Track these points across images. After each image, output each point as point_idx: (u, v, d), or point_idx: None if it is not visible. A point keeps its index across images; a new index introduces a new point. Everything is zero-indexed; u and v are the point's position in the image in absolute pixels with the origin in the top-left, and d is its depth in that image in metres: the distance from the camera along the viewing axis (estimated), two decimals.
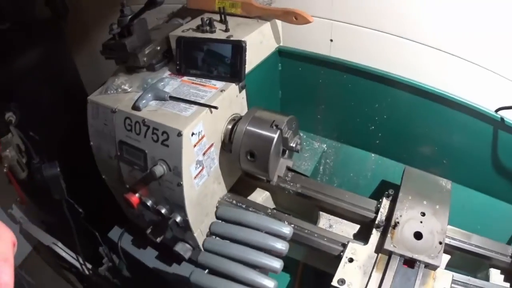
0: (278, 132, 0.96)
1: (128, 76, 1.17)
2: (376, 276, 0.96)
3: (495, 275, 1.13)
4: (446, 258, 1.13)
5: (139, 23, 1.12)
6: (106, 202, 1.39)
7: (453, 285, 0.99)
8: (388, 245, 0.98)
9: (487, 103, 1.12)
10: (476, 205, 1.27)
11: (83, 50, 1.68)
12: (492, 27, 1.01)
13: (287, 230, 0.89)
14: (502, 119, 1.11)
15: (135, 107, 1.02)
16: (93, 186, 1.37)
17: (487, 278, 1.12)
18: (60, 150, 1.51)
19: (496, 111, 1.12)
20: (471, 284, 1.02)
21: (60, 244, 1.76)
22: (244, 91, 1.10)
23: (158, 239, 1.19)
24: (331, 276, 1.07)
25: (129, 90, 1.12)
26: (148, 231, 1.20)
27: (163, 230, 1.18)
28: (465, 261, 1.12)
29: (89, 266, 1.71)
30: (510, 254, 1.09)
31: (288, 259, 1.13)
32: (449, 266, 1.09)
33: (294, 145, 1.00)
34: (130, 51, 1.11)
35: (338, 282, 0.95)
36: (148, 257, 1.37)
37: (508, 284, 1.10)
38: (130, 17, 1.09)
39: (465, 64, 1.10)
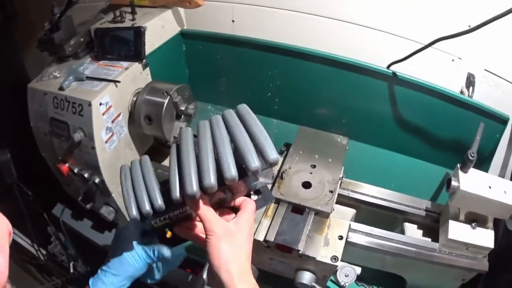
0: (168, 97, 1.38)
1: (58, 65, 1.58)
2: (266, 222, 1.18)
3: (411, 230, 1.36)
4: (351, 212, 1.39)
5: (66, 20, 1.54)
6: (49, 182, 1.75)
7: (352, 233, 1.21)
8: (275, 193, 1.22)
9: (379, 61, 1.40)
10: (387, 163, 1.53)
11: (32, 47, 2.15)
12: None
13: None
14: (394, 73, 1.36)
15: (61, 88, 1.43)
16: (39, 169, 1.75)
17: (402, 233, 1.34)
18: (8, 137, 1.92)
19: (388, 67, 1.37)
20: (369, 233, 1.24)
21: (15, 230, 2.13)
22: (148, 69, 1.52)
23: (88, 206, 1.58)
24: None
25: (58, 76, 1.51)
26: (79, 198, 1.58)
27: (91, 196, 1.58)
28: (378, 217, 1.34)
29: (43, 252, 2.08)
30: (424, 208, 1.32)
31: None
32: (361, 223, 1.29)
33: (184, 109, 1.43)
34: (57, 43, 1.52)
35: None
36: (86, 227, 1.75)
37: (426, 238, 1.31)
38: (58, 15, 1.51)
39: (353, 26, 1.42)
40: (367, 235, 1.25)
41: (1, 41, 2.00)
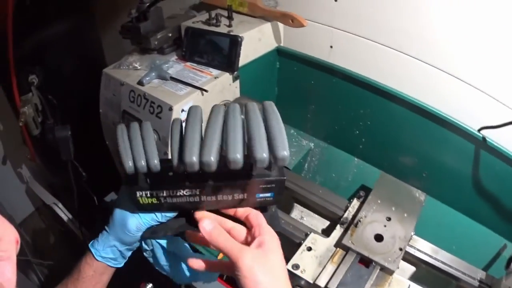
0: None
1: (140, 56, 1.43)
2: (330, 268, 1.08)
3: None
4: (411, 269, 1.25)
5: (155, 11, 1.39)
6: (108, 170, 1.64)
7: None
8: (346, 241, 1.12)
9: (471, 122, 1.23)
10: (453, 224, 1.37)
11: (111, 27, 1.98)
12: (482, 47, 1.14)
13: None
14: (484, 138, 1.21)
15: (140, 83, 1.28)
16: (97, 152, 1.64)
17: None
18: (74, 115, 1.78)
19: (479, 130, 1.21)
20: None
21: (60, 205, 2.03)
22: (238, 81, 1.34)
23: None
24: None
25: (138, 68, 1.38)
26: None
27: None
28: (432, 278, 1.20)
29: (86, 231, 1.98)
30: (478, 278, 1.16)
31: None
32: (416, 280, 1.14)
33: None
34: (143, 34, 1.37)
35: (292, 266, 1.09)
36: None
37: None
38: (147, 4, 1.36)
39: (453, 80, 1.23)
40: None
41: (80, 16, 1.82)
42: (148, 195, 0.72)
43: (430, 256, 1.19)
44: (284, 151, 0.60)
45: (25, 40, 1.68)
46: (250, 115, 0.64)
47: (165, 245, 0.88)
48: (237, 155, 0.59)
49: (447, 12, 1.15)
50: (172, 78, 1.29)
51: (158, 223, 0.79)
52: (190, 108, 0.69)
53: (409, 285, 1.09)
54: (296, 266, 1.10)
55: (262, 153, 0.59)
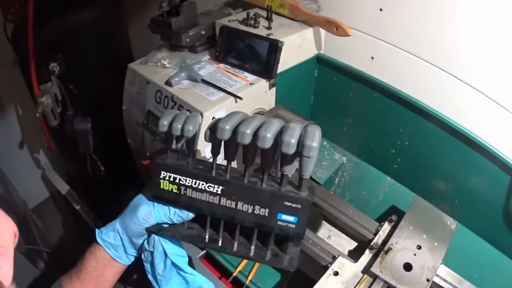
0: None
1: (169, 52, 1.31)
2: None
3: None
4: None
5: (188, 6, 1.27)
6: (127, 166, 1.55)
7: None
8: (375, 268, 1.04)
9: (510, 152, 1.14)
10: (479, 253, 1.29)
11: (139, 19, 1.84)
12: None
13: None
14: None
15: (168, 83, 1.16)
16: (118, 149, 1.54)
17: None
18: (95, 108, 1.68)
19: None
20: None
21: (76, 196, 1.95)
22: (274, 89, 1.22)
23: None
24: None
25: (167, 65, 1.26)
26: None
27: None
28: None
29: (99, 223, 1.89)
30: None
31: None
32: None
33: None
34: (174, 30, 1.25)
35: None
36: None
37: None
38: None
39: (497, 107, 1.12)
40: None
41: (107, 5, 1.69)
42: (171, 178, 0.70)
43: (454, 287, 1.11)
44: (313, 142, 0.63)
45: (48, 26, 1.58)
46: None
47: (168, 252, 0.81)
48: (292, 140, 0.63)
49: (496, 35, 1.04)
50: (204, 81, 1.17)
51: (169, 224, 0.76)
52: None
53: None
54: None
55: (290, 139, 0.63)
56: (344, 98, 1.37)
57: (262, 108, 1.21)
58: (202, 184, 0.70)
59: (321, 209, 1.25)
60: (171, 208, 0.75)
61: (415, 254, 1.10)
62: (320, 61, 1.36)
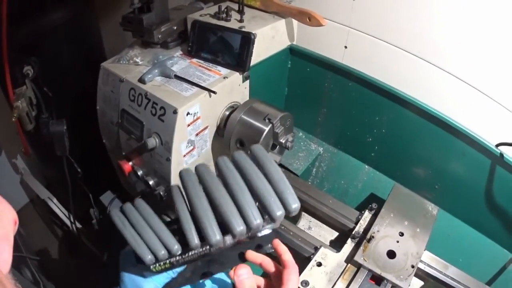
0: (270, 125, 1.01)
1: (142, 49, 1.23)
2: (341, 285, 0.97)
3: None
4: (418, 284, 1.13)
5: (160, 1, 1.18)
6: (104, 167, 1.46)
7: None
8: (358, 257, 1.00)
9: (490, 136, 1.11)
10: (461, 236, 1.26)
11: (111, 17, 1.73)
12: (509, 59, 1.00)
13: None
14: (501, 154, 1.11)
15: (141, 80, 1.08)
16: (94, 149, 1.44)
17: None
18: (69, 110, 1.58)
19: (497, 145, 1.11)
20: None
21: (55, 200, 1.84)
22: (247, 82, 1.15)
23: None
24: None
25: (140, 63, 1.18)
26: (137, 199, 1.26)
27: (149, 202, 1.23)
28: None
29: (79, 225, 1.79)
30: None
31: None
32: None
33: (284, 141, 1.04)
34: (146, 27, 1.16)
35: (301, 283, 0.98)
36: None
37: None
38: None
39: (474, 92, 1.09)
40: None
41: (79, 5, 1.57)
42: (161, 263, 0.63)
43: (440, 272, 1.08)
44: (296, 203, 0.57)
45: (21, 28, 1.45)
46: (246, 169, 0.57)
47: None
48: (257, 221, 0.55)
49: (470, 20, 1.00)
50: (177, 76, 1.09)
51: (173, 278, 0.69)
52: (182, 174, 0.60)
53: None
54: (306, 283, 0.99)
55: (278, 211, 0.55)
56: (318, 88, 1.31)
57: (236, 102, 1.13)
58: (192, 251, 0.63)
59: (300, 201, 1.18)
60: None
61: (398, 241, 1.07)
62: (293, 52, 1.30)
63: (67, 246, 2.05)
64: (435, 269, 1.09)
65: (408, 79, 1.17)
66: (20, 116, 1.45)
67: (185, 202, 0.60)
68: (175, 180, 1.08)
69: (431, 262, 1.10)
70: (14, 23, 1.42)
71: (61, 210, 1.82)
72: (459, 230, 1.27)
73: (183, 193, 0.60)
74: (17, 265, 1.65)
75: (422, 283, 1.13)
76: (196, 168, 0.60)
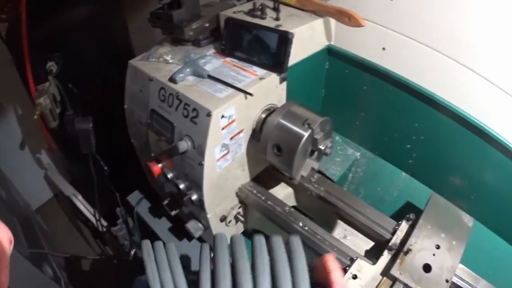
0: (309, 131, 0.93)
1: (172, 47, 1.16)
2: None
3: None
4: None
5: None
6: (131, 166, 1.40)
7: None
8: (394, 271, 0.93)
9: None
10: (492, 248, 1.18)
11: (139, 13, 1.67)
12: None
13: None
14: None
15: (172, 79, 1.01)
16: (122, 148, 1.38)
17: None
18: (96, 107, 1.53)
19: None
20: None
21: (80, 197, 1.79)
22: (284, 83, 1.07)
23: (173, 212, 1.19)
24: None
25: (170, 61, 1.11)
26: (165, 202, 1.20)
27: (180, 205, 1.17)
28: None
29: (104, 223, 1.74)
30: None
31: None
32: None
33: (323, 148, 0.96)
34: (176, 23, 1.09)
35: None
36: (161, 227, 1.36)
37: None
38: None
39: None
40: None
41: (105, 2, 1.51)
42: None
43: (471, 285, 1.00)
44: None
45: (43, 24, 1.40)
46: (277, 261, 0.57)
47: None
48: None
49: (509, 25, 0.92)
50: (210, 76, 1.01)
51: None
52: (217, 239, 0.62)
53: None
54: None
55: None
56: (356, 91, 1.22)
57: (272, 104, 1.06)
58: None
59: (336, 208, 1.12)
60: None
61: (434, 254, 0.98)
62: (331, 52, 1.21)
63: (90, 243, 2.02)
64: (467, 282, 1.01)
65: (446, 84, 1.08)
66: (43, 113, 1.40)
67: (210, 263, 0.62)
68: (208, 185, 1.01)
69: (462, 274, 1.02)
70: (36, 19, 1.37)
71: (85, 207, 1.78)
72: (491, 241, 1.18)
73: (211, 255, 0.62)
74: (38, 261, 1.61)
75: None
76: (231, 239, 0.61)
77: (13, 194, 1.66)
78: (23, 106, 1.74)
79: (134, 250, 1.55)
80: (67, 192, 1.79)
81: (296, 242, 0.60)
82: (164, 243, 0.67)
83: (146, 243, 0.67)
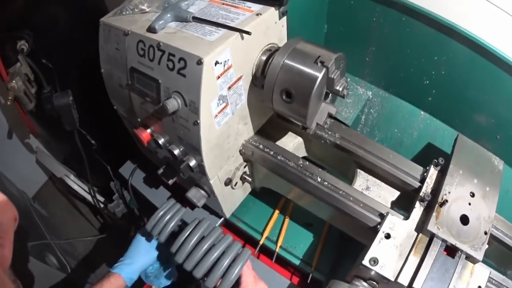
0: (324, 70, 0.70)
1: None
2: (413, 260, 0.74)
3: None
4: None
5: None
6: (120, 136, 1.19)
7: (487, 283, 0.79)
8: (432, 226, 0.76)
9: None
10: None
11: None
12: None
13: None
14: None
15: (151, 29, 0.78)
16: (108, 118, 1.17)
17: None
18: (74, 79, 1.29)
19: None
20: (504, 285, 0.83)
21: (72, 176, 1.58)
22: (284, 18, 0.83)
23: (170, 181, 0.98)
24: (358, 242, 0.87)
25: (147, 10, 0.87)
26: (160, 171, 0.99)
27: (176, 172, 0.96)
28: (499, 254, 0.91)
29: (101, 199, 1.54)
30: None
31: (313, 218, 0.93)
32: (487, 257, 0.86)
33: (340, 89, 0.73)
34: None
35: (370, 261, 0.73)
36: (159, 198, 1.17)
37: None
38: None
39: None
40: (498, 286, 0.83)
41: None
42: None
43: (506, 235, 0.87)
44: None
45: (8, 4, 1.13)
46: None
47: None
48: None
49: None
50: (195, 18, 0.78)
51: None
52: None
53: (490, 272, 0.79)
54: (375, 261, 0.74)
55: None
56: (364, 24, 1.01)
57: (273, 43, 0.82)
58: None
59: (355, 156, 0.91)
60: None
61: (470, 204, 0.81)
62: None
63: (91, 221, 1.83)
64: (502, 231, 0.87)
65: (468, 14, 0.87)
66: (17, 96, 1.18)
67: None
68: (207, 146, 0.79)
69: (497, 223, 0.87)
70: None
71: (80, 186, 1.56)
72: None
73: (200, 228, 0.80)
74: (41, 251, 1.42)
75: (486, 246, 0.86)
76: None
77: (7, 188, 1.45)
78: (3, 94, 1.49)
79: (134, 227, 1.37)
80: (58, 174, 1.58)
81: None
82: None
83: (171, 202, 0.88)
